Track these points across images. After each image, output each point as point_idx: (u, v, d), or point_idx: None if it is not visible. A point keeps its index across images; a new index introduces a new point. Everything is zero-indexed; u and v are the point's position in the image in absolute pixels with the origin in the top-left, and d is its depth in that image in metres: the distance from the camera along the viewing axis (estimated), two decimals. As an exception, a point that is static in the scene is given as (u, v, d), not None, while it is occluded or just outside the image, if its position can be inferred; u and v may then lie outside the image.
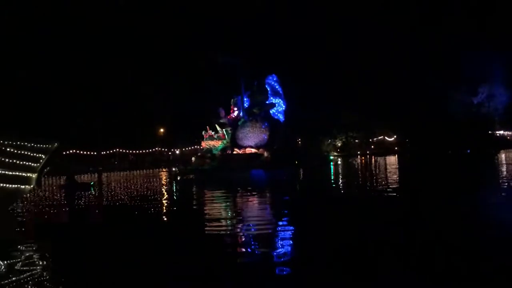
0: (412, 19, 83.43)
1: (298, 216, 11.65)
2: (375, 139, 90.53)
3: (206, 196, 18.07)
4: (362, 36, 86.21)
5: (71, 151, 59.69)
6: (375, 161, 50.92)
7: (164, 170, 52.60)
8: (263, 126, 31.37)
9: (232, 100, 35.00)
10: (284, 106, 34.19)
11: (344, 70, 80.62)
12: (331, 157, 51.49)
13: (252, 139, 30.72)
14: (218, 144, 32.13)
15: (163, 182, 28.89)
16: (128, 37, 70.70)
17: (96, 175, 43.60)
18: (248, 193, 17.53)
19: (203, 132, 33.08)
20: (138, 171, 54.57)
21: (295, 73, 62.07)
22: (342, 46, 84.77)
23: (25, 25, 56.03)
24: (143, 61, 71.55)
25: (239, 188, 19.26)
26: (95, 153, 64.85)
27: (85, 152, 63.45)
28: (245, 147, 30.51)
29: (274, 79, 35.07)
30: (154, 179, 32.85)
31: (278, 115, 33.73)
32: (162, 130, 77.85)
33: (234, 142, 31.32)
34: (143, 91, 69.10)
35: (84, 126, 59.99)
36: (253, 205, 14.56)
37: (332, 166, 38.52)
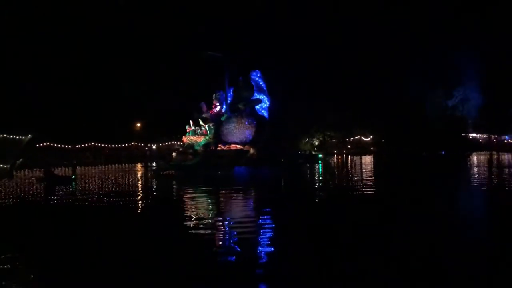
0: (390, 20, 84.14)
1: (280, 218, 11.33)
2: (351, 138, 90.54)
3: (188, 193, 17.19)
4: (344, 36, 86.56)
5: (45, 144, 57.38)
6: (351, 160, 51.06)
7: (141, 165, 51.20)
8: (247, 122, 30.80)
9: (214, 94, 34.24)
10: (268, 103, 33.67)
11: (324, 70, 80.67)
12: (320, 155, 50.92)
13: (237, 135, 30.08)
14: (201, 139, 31.27)
15: (142, 178, 27.66)
16: (112, 28, 68.67)
17: (71, 169, 41.76)
18: (234, 192, 16.88)
19: (186, 127, 32.13)
20: (114, 165, 52.75)
21: (275, 70, 61.49)
22: (323, 47, 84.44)
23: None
24: (122, 53, 69.97)
25: (223, 187, 18.58)
26: (69, 146, 62.59)
27: (59, 145, 61.09)
28: (230, 144, 29.79)
29: (258, 75, 34.51)
30: (132, 175, 31.53)
31: (263, 111, 33.19)
32: (139, 124, 76.61)
33: (218, 138, 30.60)
34: (121, 84, 67.46)
35: (60, 119, 57.94)
36: (238, 204, 13.96)
37: (320, 165, 38.04)
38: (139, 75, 69.20)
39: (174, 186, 21.59)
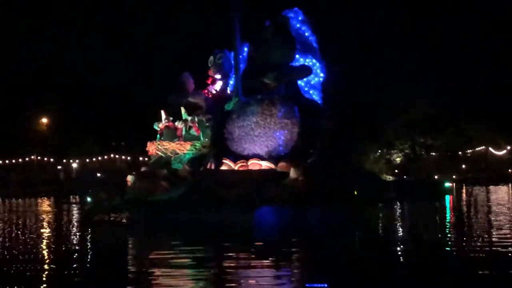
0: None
1: None
2: (468, 151, 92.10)
3: (158, 265, 15.89)
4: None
5: None
6: (468, 195, 50.28)
7: (47, 200, 51.80)
8: (281, 114, 29.72)
9: (211, 58, 34.81)
10: (323, 75, 33.65)
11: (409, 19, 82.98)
12: (448, 184, 50.03)
13: (262, 141, 29.39)
14: (185, 148, 31.42)
15: (59, 229, 26.58)
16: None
17: None
18: (257, 264, 15.60)
19: (155, 125, 32.74)
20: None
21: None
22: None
23: None
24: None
25: (233, 250, 17.52)
26: None
27: None
28: (247, 158, 29.22)
29: (300, 17, 34.69)
30: (36, 221, 30.63)
31: (313, 92, 33.04)
32: (45, 120, 78.53)
33: (221, 145, 30.21)
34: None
35: None
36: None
37: (448, 206, 36.73)
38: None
39: (128, 247, 20.81)
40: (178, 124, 32.27)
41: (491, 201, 42.49)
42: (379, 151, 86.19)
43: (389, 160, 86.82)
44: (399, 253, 17.78)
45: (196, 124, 31.51)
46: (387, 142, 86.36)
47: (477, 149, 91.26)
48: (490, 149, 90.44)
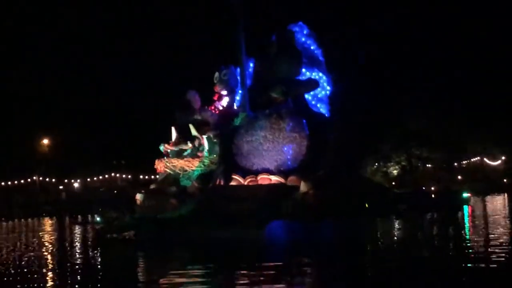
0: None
1: None
2: (464, 162, 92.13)
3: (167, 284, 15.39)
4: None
5: None
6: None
7: (49, 221, 51.51)
8: (290, 128, 29.42)
9: (216, 74, 34.30)
10: (330, 88, 33.19)
11: (409, 30, 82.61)
12: (466, 195, 49.26)
13: (271, 156, 28.98)
14: (193, 165, 31.21)
15: (69, 248, 26.31)
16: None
17: None
18: (270, 281, 14.88)
19: (161, 147, 32.56)
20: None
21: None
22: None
23: None
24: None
25: (245, 267, 16.91)
26: None
27: None
28: (256, 173, 28.73)
29: (305, 32, 34.15)
30: (43, 240, 30.06)
31: (319, 105, 32.50)
32: (46, 141, 79.18)
33: (230, 161, 29.85)
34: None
35: None
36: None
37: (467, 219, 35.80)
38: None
39: (139, 266, 20.21)
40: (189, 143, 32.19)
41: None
42: (376, 164, 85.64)
43: (386, 172, 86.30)
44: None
45: (205, 141, 31.32)
46: (383, 155, 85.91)
47: (472, 160, 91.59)
48: (485, 159, 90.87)
